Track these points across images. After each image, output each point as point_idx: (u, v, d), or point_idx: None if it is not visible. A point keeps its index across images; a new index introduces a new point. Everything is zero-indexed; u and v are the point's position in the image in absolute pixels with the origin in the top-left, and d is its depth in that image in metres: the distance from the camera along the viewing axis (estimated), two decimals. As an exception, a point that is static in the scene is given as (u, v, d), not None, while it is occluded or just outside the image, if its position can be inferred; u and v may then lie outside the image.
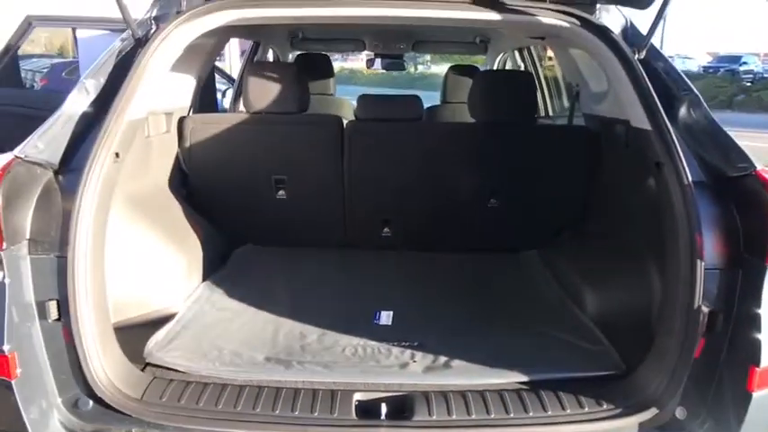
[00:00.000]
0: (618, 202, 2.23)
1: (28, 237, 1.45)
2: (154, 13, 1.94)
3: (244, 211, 2.54)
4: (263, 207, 2.54)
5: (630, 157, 1.97)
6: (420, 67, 17.37)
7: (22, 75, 18.64)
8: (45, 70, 18.45)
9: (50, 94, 3.25)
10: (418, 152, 2.49)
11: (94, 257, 1.50)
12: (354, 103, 4.61)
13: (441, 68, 7.71)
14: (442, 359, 1.71)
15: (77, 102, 1.65)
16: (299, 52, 4.27)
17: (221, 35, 2.41)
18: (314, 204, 2.56)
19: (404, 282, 2.30)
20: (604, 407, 1.52)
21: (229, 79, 4.86)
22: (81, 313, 1.44)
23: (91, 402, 1.46)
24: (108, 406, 1.45)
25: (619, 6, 1.91)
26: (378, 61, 5.36)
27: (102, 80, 1.70)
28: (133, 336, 1.70)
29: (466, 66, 4.11)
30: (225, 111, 3.87)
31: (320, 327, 1.90)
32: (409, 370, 1.67)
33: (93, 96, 1.67)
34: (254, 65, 2.53)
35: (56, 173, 1.55)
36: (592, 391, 1.56)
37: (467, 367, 1.68)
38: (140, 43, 1.78)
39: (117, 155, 1.60)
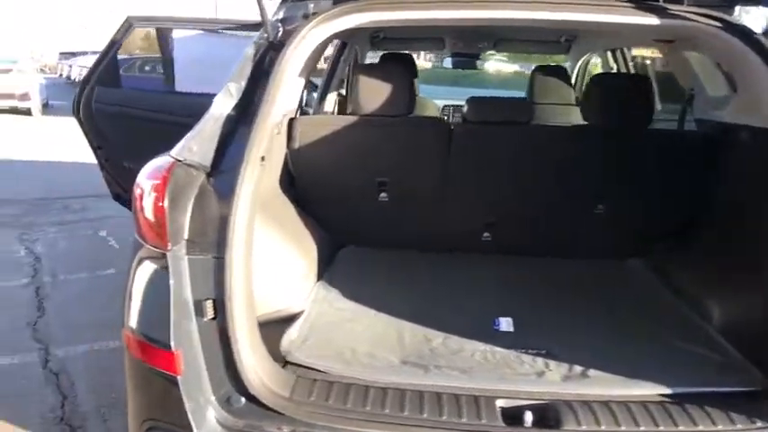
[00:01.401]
0: (742, 209, 2.16)
1: (186, 237, 1.50)
2: (281, 16, 1.97)
3: (346, 212, 2.57)
4: (365, 209, 2.57)
5: (759, 163, 1.91)
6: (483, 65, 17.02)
7: (78, 71, 19.11)
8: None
9: (165, 96, 3.33)
10: (525, 155, 2.47)
11: (245, 258, 1.53)
12: (438, 103, 4.61)
13: (505, 66, 7.58)
14: (577, 368, 1.69)
15: (223, 104, 1.70)
16: (381, 52, 4.28)
17: None
18: (415, 207, 2.57)
19: (511, 287, 2.29)
20: (758, 424, 1.47)
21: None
22: (236, 313, 1.48)
23: (243, 399, 1.49)
24: (260, 403, 1.48)
25: (761, 6, 1.85)
26: (447, 59, 5.34)
27: (244, 83, 1.74)
28: (264, 335, 1.74)
29: (553, 66, 4.05)
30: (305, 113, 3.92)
31: (442, 331, 1.90)
32: (547, 378, 1.66)
33: (236, 99, 1.71)
34: (363, 67, 2.56)
35: (207, 175, 1.59)
36: (738, 406, 1.52)
37: (604, 377, 1.65)
38: (274, 46, 1.82)
39: (263, 158, 1.64)
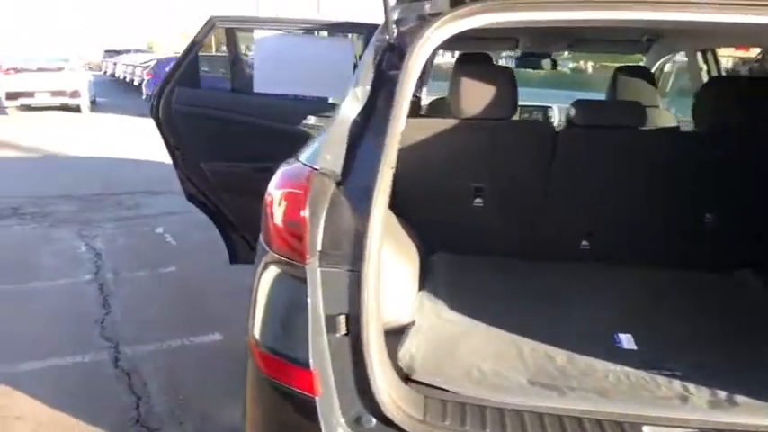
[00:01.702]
0: None
1: (319, 249, 1.42)
2: (395, 17, 1.89)
3: (439, 217, 2.48)
4: (459, 215, 2.47)
5: None
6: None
7: (122, 69, 19.56)
8: (146, 65, 19.46)
9: (244, 98, 3.27)
10: (631, 161, 2.34)
11: (376, 271, 1.45)
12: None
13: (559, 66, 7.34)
14: (721, 393, 1.56)
15: (350, 110, 1.61)
16: (457, 52, 4.16)
17: None
18: (511, 213, 2.46)
19: (619, 299, 2.16)
20: None
21: None
22: (370, 328, 1.40)
23: (374, 420, 1.41)
24: (393, 425, 1.39)
25: None
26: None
27: (368, 88, 1.66)
28: None
29: (636, 67, 3.89)
30: None
31: (562, 348, 1.79)
32: (692, 403, 1.53)
33: (362, 104, 1.63)
34: (464, 68, 2.45)
35: (337, 183, 1.51)
36: None
37: (756, 405, 1.52)
38: (393, 48, 1.73)
39: (391, 168, 1.56)
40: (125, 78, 22.49)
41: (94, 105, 16.23)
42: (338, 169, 1.50)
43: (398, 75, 1.60)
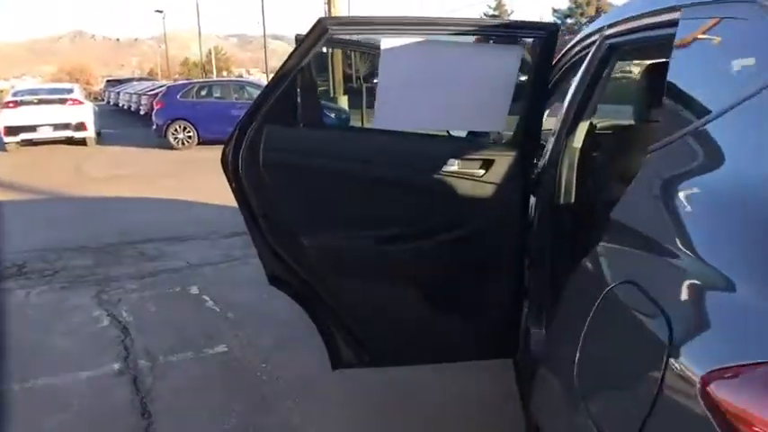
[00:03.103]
0: None
1: None
2: None
3: None
4: None
5: None
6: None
7: (126, 98, 19.29)
8: (152, 92, 18.80)
9: (362, 138, 2.23)
10: None
11: None
12: None
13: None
14: None
15: None
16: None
17: None
18: None
19: None
20: None
21: None
22: None
23: None
24: None
25: None
26: None
27: None
28: None
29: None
30: None
31: None
32: None
33: None
34: None
35: None
36: None
37: None
38: None
39: None
40: (129, 108, 21.87)
41: (100, 137, 15.39)
42: None
43: None
